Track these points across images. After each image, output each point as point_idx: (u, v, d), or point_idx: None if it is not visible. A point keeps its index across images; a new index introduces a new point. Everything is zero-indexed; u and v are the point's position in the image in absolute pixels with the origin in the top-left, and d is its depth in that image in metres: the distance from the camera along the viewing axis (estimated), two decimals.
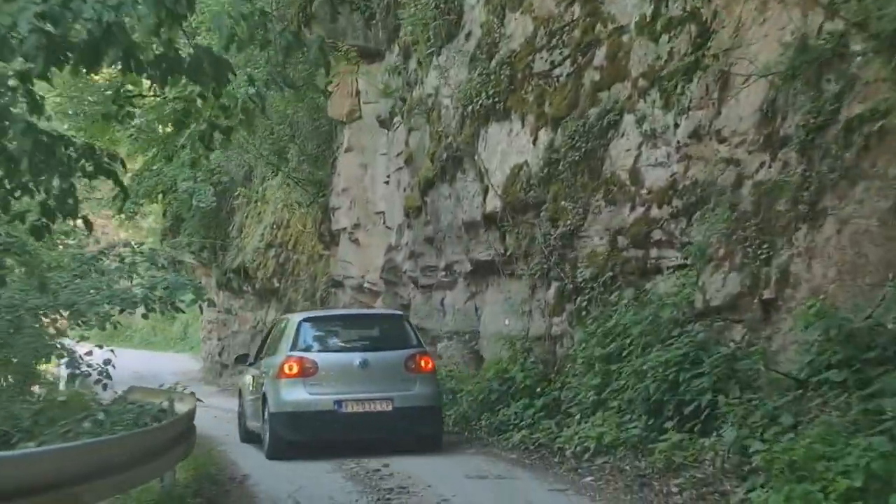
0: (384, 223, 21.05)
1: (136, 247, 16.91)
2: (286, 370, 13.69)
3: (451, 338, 17.83)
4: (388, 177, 20.52)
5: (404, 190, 19.41)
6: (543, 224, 14.83)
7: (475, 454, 13.22)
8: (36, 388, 24.46)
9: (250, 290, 32.36)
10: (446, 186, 17.58)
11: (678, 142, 12.13)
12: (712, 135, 11.52)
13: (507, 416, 14.12)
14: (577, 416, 12.48)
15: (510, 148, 15.86)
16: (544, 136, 14.96)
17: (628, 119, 13.14)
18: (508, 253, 15.97)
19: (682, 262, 12.22)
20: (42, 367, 34.47)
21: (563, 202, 14.38)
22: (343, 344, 14.60)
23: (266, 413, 13.93)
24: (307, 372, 13.62)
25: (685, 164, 12.11)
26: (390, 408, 13.54)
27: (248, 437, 15.68)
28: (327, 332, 14.77)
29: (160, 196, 35.91)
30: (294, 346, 13.98)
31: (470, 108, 16.66)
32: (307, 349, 14.06)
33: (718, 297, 11.04)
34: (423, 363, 14.08)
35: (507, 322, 16.02)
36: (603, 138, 13.59)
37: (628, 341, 11.98)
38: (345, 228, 22.98)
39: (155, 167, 35.14)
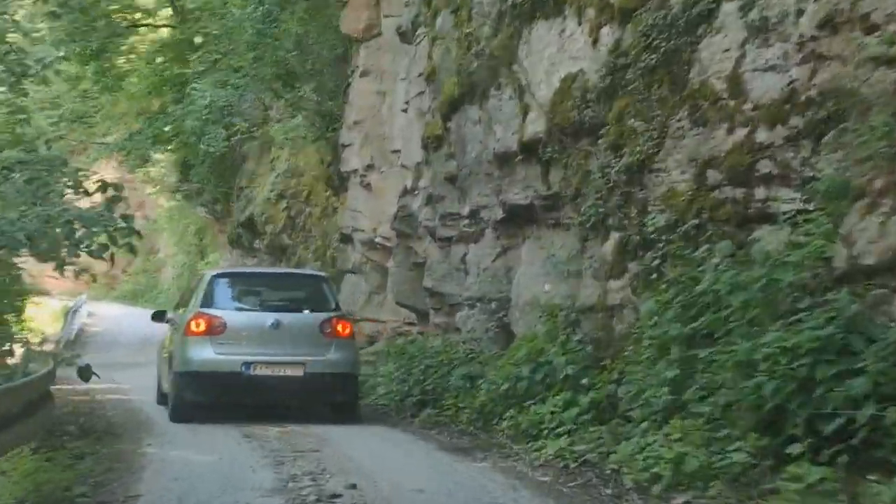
0: (401, 163, 17.04)
1: (54, 156, 13.07)
2: (193, 327, 13.07)
3: (472, 306, 13.98)
4: (407, 103, 16.52)
5: (424, 116, 15.41)
6: (602, 153, 11.01)
7: (490, 470, 9.24)
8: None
9: (262, 248, 28.78)
10: (475, 108, 13.70)
11: (801, 35, 8.55)
12: (855, 22, 8.02)
13: (539, 415, 10.29)
14: (643, 425, 8.61)
15: (561, 53, 11.99)
16: (608, 35, 11.13)
17: (728, 7, 9.42)
18: (553, 193, 12.15)
19: (803, 207, 8.38)
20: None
21: (631, 122, 10.57)
22: (256, 303, 13.89)
23: (171, 373, 13.38)
24: (215, 330, 13.02)
25: (811, 66, 8.50)
26: (302, 372, 12.96)
27: (164, 399, 14.49)
28: (241, 290, 14.16)
29: (170, 141, 32.57)
30: (204, 303, 13.35)
31: (510, 1, 12.86)
32: (217, 306, 13.37)
33: (873, 252, 7.30)
34: (339, 328, 13.37)
35: (546, 287, 12.16)
36: (691, 35, 9.82)
37: (724, 316, 8.12)
38: (355, 171, 19.09)
39: (169, 110, 31.76)
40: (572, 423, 9.71)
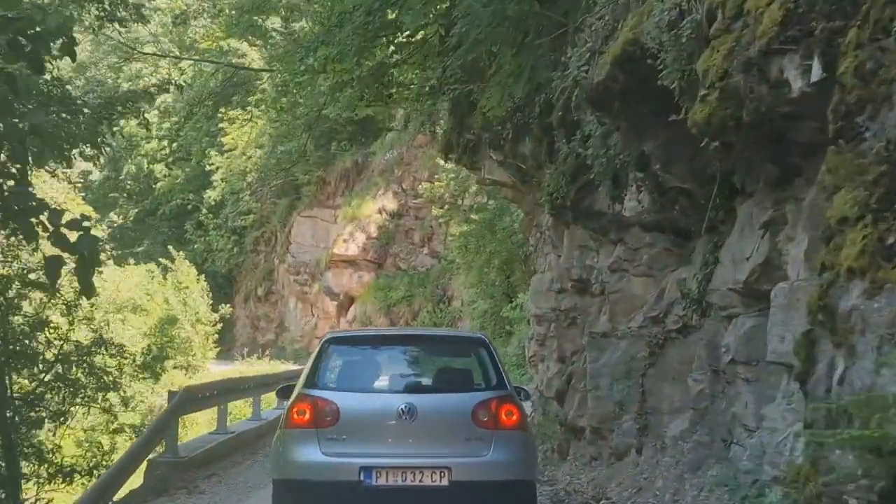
0: None
1: None
2: (294, 416, 9.64)
3: None
4: None
5: None
6: None
7: None
8: None
9: (644, 202, 11.43)
10: None
11: None
12: None
13: None
14: None
15: None
16: None
17: None
18: None
19: None
20: None
21: None
22: (383, 380, 10.34)
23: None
24: (323, 421, 9.47)
25: None
26: (446, 481, 9.27)
27: None
28: (364, 361, 10.51)
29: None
30: (310, 382, 9.84)
31: None
32: (328, 386, 9.83)
33: None
34: (503, 414, 9.53)
35: None
36: None
37: None
38: None
39: None
40: None
